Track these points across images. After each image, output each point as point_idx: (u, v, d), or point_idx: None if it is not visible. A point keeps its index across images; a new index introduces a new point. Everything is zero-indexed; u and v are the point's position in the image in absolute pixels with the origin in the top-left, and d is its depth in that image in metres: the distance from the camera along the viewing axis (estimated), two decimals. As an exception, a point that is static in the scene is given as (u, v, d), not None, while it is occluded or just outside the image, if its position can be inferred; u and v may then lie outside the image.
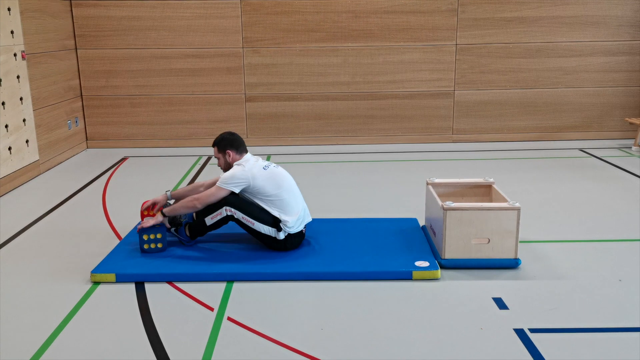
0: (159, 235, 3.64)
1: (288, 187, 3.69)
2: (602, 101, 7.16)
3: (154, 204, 3.88)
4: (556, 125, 7.21)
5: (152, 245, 3.63)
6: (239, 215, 3.63)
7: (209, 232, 3.79)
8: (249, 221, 3.63)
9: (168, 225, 3.80)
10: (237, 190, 3.61)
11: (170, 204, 3.80)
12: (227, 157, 3.73)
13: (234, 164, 3.70)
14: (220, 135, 3.80)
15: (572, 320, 2.92)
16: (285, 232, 3.62)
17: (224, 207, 3.63)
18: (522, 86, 7.08)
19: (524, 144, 7.07)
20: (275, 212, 3.62)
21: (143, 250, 3.64)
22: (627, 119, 6.89)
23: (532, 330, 2.82)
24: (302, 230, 3.71)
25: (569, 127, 7.22)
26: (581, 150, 6.70)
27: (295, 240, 3.69)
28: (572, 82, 7.11)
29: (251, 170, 3.61)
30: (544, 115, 7.17)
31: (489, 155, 6.52)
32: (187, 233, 3.81)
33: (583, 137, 7.20)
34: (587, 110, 7.19)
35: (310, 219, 3.80)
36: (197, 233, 3.79)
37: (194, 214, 3.84)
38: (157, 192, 5.17)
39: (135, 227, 4.07)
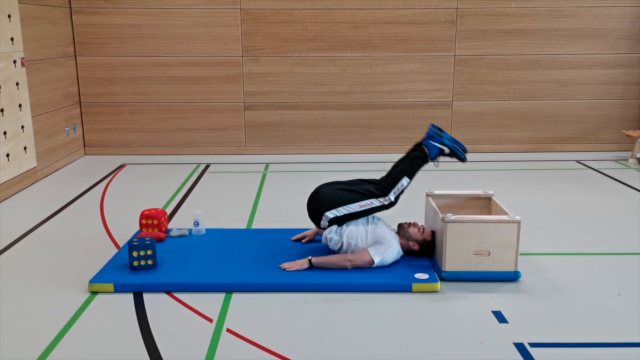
0: (149, 252, 3.55)
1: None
2: (599, 113, 7.19)
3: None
4: (553, 136, 7.23)
5: (142, 262, 3.55)
6: (343, 211, 3.61)
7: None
8: (353, 208, 3.61)
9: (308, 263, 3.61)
10: (377, 263, 3.55)
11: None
12: (412, 244, 3.66)
13: (398, 239, 3.66)
14: (434, 239, 3.67)
15: (572, 335, 2.92)
16: (395, 192, 3.63)
17: (329, 212, 3.63)
18: (520, 97, 7.11)
19: (521, 154, 7.09)
20: (340, 232, 3.64)
21: (132, 268, 3.54)
22: (624, 131, 6.92)
23: (532, 345, 2.81)
24: None
25: (566, 139, 7.25)
26: (578, 162, 6.72)
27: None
28: (570, 94, 7.14)
29: (394, 255, 3.61)
30: (541, 126, 7.20)
31: (486, 166, 6.54)
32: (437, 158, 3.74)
33: (580, 149, 7.22)
34: (584, 122, 7.22)
35: None
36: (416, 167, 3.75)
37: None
38: (155, 201, 5.17)
39: (134, 237, 4.05)
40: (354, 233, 3.63)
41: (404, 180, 3.67)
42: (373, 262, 3.53)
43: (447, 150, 3.69)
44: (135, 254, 3.53)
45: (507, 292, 3.38)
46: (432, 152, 3.70)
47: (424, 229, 3.70)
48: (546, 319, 3.07)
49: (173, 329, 2.98)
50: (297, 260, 3.59)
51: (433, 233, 3.69)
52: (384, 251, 3.54)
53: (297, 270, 3.52)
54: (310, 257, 3.57)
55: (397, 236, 3.68)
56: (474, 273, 3.49)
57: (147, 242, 3.56)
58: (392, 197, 3.65)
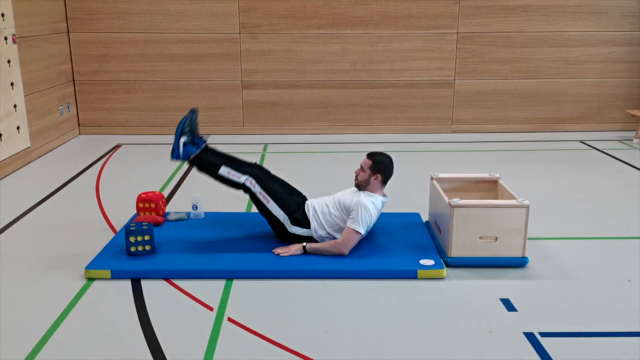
0: (146, 237, 3.44)
1: None
2: (604, 92, 7.07)
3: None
4: (557, 116, 7.11)
5: (140, 248, 3.44)
6: (257, 189, 3.50)
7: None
8: (265, 197, 3.50)
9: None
10: (364, 233, 3.44)
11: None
12: (373, 178, 3.49)
13: (365, 195, 3.47)
14: (383, 156, 3.55)
15: (583, 323, 2.84)
16: (300, 230, 3.53)
17: (247, 178, 3.50)
18: (524, 76, 6.97)
19: (524, 134, 6.98)
20: (322, 226, 3.53)
21: (130, 253, 3.43)
22: (628, 110, 6.80)
23: (543, 334, 2.73)
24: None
25: (570, 119, 7.13)
26: (582, 142, 6.62)
27: (300, 240, 3.59)
28: (574, 73, 7.00)
29: (376, 215, 3.49)
30: (545, 106, 7.07)
31: (489, 147, 6.43)
32: (192, 157, 3.56)
33: (584, 129, 7.11)
34: (588, 101, 7.09)
35: None
36: (201, 167, 3.57)
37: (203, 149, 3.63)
38: (151, 183, 5.06)
39: (130, 221, 3.95)
40: (329, 219, 3.52)
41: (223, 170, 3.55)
42: (360, 233, 3.41)
43: (184, 142, 3.57)
44: (132, 239, 3.43)
45: (515, 278, 3.30)
46: (181, 152, 3.56)
47: (363, 166, 3.50)
48: (556, 306, 2.99)
49: (173, 319, 2.89)
50: (291, 246, 3.49)
51: (374, 155, 3.54)
52: (360, 216, 3.39)
53: (291, 256, 3.43)
54: (304, 244, 3.47)
55: (360, 193, 3.52)
56: (481, 259, 3.40)
57: (144, 227, 3.46)
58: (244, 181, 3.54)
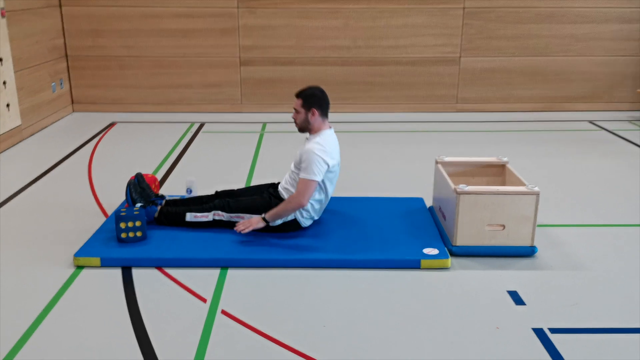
0: (137, 223, 3.29)
1: (331, 191, 3.47)
2: (613, 71, 6.85)
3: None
4: (565, 95, 6.91)
5: (131, 234, 3.29)
6: (227, 216, 3.42)
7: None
8: (237, 217, 3.41)
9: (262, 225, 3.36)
10: (321, 179, 3.28)
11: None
12: (310, 114, 3.34)
13: (311, 140, 3.34)
14: (310, 88, 3.40)
15: (595, 318, 2.69)
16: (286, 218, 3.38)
17: (214, 212, 3.42)
18: (531, 53, 6.75)
19: (530, 114, 6.78)
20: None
21: (120, 240, 3.29)
22: (639, 90, 6.60)
23: (553, 330, 2.59)
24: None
25: (578, 98, 6.92)
26: (591, 122, 6.43)
27: (294, 228, 3.45)
28: (583, 50, 6.78)
29: (332, 154, 3.31)
30: (553, 84, 6.86)
31: (494, 127, 6.24)
32: (156, 215, 3.51)
33: (592, 108, 6.91)
34: (597, 80, 6.88)
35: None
36: (167, 222, 3.50)
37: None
38: (146, 164, 4.89)
39: (121, 206, 3.79)
40: (291, 178, 3.43)
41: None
42: (314, 180, 3.24)
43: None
44: (122, 225, 3.27)
45: (523, 268, 3.15)
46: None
47: (296, 107, 3.37)
48: (566, 299, 2.85)
49: (164, 312, 2.75)
50: (251, 219, 3.32)
51: (301, 91, 3.39)
52: (309, 162, 3.23)
53: (254, 230, 3.30)
54: (263, 215, 3.31)
55: (310, 137, 3.38)
56: (487, 248, 3.25)
57: (135, 213, 3.30)
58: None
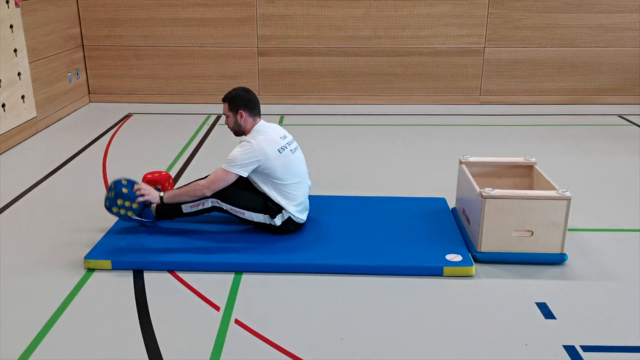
0: (134, 205, 3.25)
1: (299, 175, 3.31)
2: (645, 62, 6.58)
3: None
4: (593, 87, 6.65)
5: (122, 212, 3.27)
6: (226, 207, 3.27)
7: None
8: (238, 212, 3.27)
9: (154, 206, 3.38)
10: (245, 174, 3.17)
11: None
12: (238, 117, 3.25)
13: (242, 139, 3.27)
14: (234, 91, 3.30)
15: (631, 335, 2.53)
16: (282, 217, 3.25)
17: (212, 199, 3.26)
18: (559, 44, 6.50)
19: (557, 107, 6.54)
20: (275, 196, 3.24)
21: (107, 209, 3.31)
22: (672, 82, 6.34)
23: (585, 349, 2.44)
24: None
25: (608, 90, 6.66)
26: (620, 116, 6.18)
27: (295, 227, 3.33)
28: (613, 41, 6.51)
29: (262, 149, 3.16)
30: (581, 76, 6.61)
31: (519, 121, 6.03)
32: (154, 213, 3.40)
33: (621, 102, 6.65)
34: (627, 72, 6.61)
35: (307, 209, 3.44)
36: (166, 217, 3.40)
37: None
38: (162, 158, 4.79)
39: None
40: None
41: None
42: (231, 172, 3.12)
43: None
44: (120, 202, 3.25)
45: (552, 278, 2.99)
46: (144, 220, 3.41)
47: (224, 113, 3.29)
48: (600, 313, 2.69)
49: (176, 320, 2.64)
50: (151, 192, 3.21)
51: (226, 96, 3.28)
52: (233, 155, 3.14)
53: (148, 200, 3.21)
54: (161, 193, 3.20)
55: (246, 139, 3.23)
56: (514, 255, 3.09)
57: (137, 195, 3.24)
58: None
